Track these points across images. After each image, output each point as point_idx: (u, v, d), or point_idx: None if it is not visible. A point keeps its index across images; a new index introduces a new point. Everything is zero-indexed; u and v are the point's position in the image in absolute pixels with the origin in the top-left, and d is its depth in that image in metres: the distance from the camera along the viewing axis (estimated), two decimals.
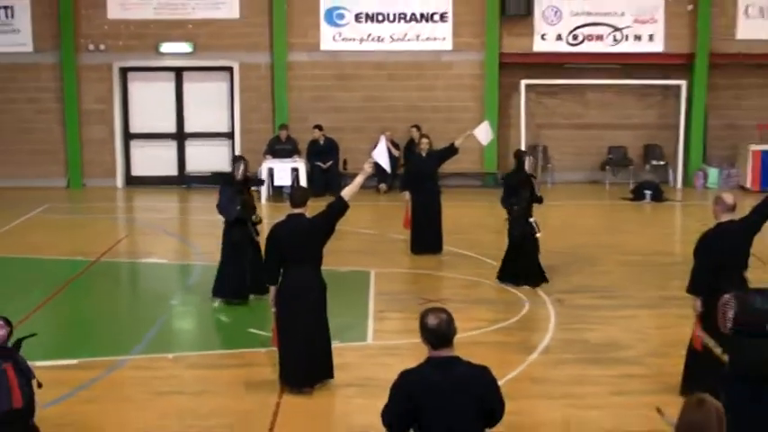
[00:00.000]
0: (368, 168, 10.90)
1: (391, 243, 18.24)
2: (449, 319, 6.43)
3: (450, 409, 6.30)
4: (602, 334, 12.87)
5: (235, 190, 14.06)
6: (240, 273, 14.03)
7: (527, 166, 15.10)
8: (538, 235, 14.96)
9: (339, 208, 10.51)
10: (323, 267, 10.76)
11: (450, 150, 17.53)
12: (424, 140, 18.14)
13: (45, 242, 18.69)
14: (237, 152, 25.68)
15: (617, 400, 10.44)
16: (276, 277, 10.55)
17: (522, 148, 25.21)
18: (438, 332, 6.38)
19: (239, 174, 14.17)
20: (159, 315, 13.82)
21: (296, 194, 10.82)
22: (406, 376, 6.46)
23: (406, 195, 17.31)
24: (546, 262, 15.38)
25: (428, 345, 6.45)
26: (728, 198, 10.35)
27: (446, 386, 6.30)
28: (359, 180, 10.72)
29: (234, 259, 14.11)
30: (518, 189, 15.03)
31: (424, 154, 17.76)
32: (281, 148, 23.96)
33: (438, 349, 6.41)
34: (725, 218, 10.29)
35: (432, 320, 6.39)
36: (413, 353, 12.04)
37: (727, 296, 7.61)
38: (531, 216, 15.03)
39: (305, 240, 10.48)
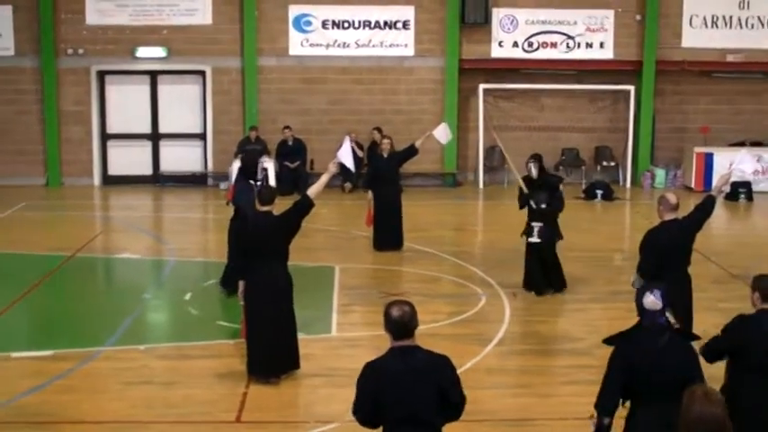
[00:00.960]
0: (332, 168, 10.84)
1: (355, 240, 18.19)
2: (411, 311, 6.44)
3: (412, 395, 6.29)
4: (553, 326, 12.91)
5: (250, 185, 13.88)
6: None
7: (533, 172, 14.25)
8: (530, 240, 14.26)
9: (304, 205, 10.45)
10: (290, 263, 10.72)
11: (411, 151, 17.45)
12: (386, 141, 18.09)
13: (23, 238, 18.48)
14: (210, 153, 25.62)
15: (567, 389, 10.44)
16: (245, 272, 10.50)
17: (481, 149, 25.35)
18: (400, 323, 6.39)
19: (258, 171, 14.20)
20: (132, 308, 13.67)
21: (264, 193, 10.75)
22: (369, 366, 6.48)
23: (369, 194, 17.26)
24: (502, 258, 15.38)
25: (390, 335, 6.47)
26: (672, 198, 10.39)
27: (407, 373, 6.31)
28: (324, 179, 10.67)
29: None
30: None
31: (385, 155, 17.71)
32: (251, 148, 23.81)
33: (400, 339, 6.42)
34: (669, 216, 10.33)
35: (395, 312, 6.41)
36: (374, 344, 12.01)
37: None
38: (540, 221, 14.21)
39: (272, 237, 10.42)
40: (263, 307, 10.33)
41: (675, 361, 6.70)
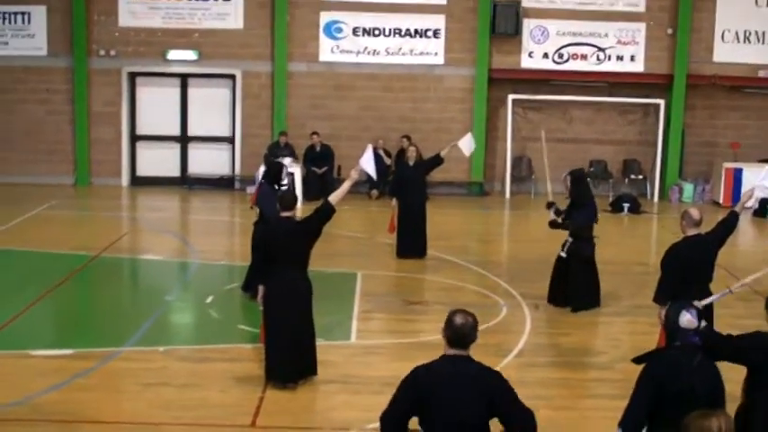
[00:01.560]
0: (354, 175, 10.80)
1: (379, 247, 18.14)
2: (473, 323, 6.39)
3: (460, 402, 6.19)
4: (574, 339, 12.78)
5: (273, 189, 13.89)
6: None
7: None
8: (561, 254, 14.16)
9: (326, 212, 10.41)
10: (312, 268, 10.69)
11: (436, 160, 17.41)
12: (412, 149, 18.13)
13: (49, 237, 18.55)
14: (238, 156, 25.67)
15: (586, 403, 10.35)
16: (265, 277, 10.48)
17: (508, 160, 25.26)
18: (460, 332, 6.34)
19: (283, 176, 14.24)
20: (154, 310, 13.69)
21: (285, 199, 10.74)
22: (417, 369, 6.40)
23: (393, 202, 17.22)
24: (526, 269, 15.29)
25: (446, 341, 6.39)
26: (695, 213, 10.30)
27: (457, 379, 6.23)
28: (346, 186, 10.63)
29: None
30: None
31: (411, 162, 17.71)
32: (279, 153, 23.85)
33: (454, 348, 6.36)
34: (692, 232, 10.25)
35: (458, 320, 6.36)
36: (393, 352, 12.03)
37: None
38: (570, 236, 14.10)
39: (292, 242, 10.38)
40: (281, 312, 10.29)
41: (707, 382, 6.60)
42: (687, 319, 6.73)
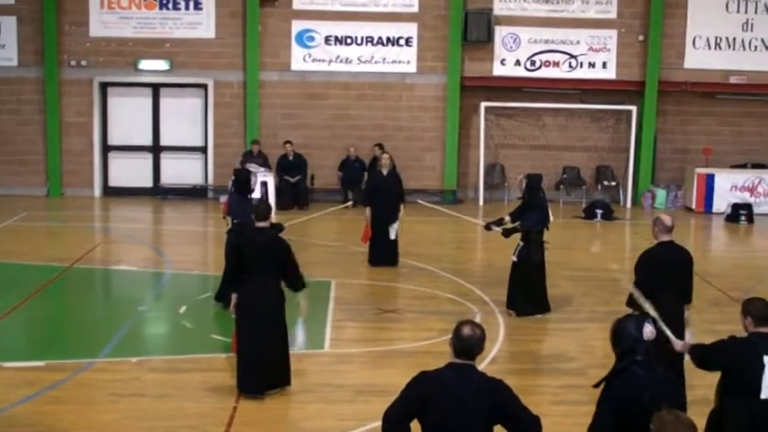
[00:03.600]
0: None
1: (353, 255, 18.16)
2: (481, 336, 6.41)
3: (463, 411, 6.22)
4: (547, 345, 12.88)
5: (243, 197, 13.96)
6: None
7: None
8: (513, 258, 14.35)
9: (295, 281, 10.68)
10: None
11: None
12: (385, 157, 18.13)
13: (22, 248, 18.51)
14: (210, 166, 25.67)
15: (557, 409, 10.40)
16: (237, 285, 10.52)
17: (481, 167, 25.38)
18: (467, 344, 6.35)
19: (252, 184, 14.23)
20: (127, 320, 13.68)
21: (260, 209, 10.82)
22: (422, 375, 6.43)
23: (367, 211, 17.25)
24: (498, 276, 15.36)
25: (453, 350, 6.41)
26: (667, 220, 10.37)
27: (462, 389, 6.25)
28: None
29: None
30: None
31: (384, 171, 17.72)
32: (252, 162, 23.86)
33: (459, 357, 6.38)
34: (664, 238, 10.31)
35: (467, 331, 6.37)
36: (367, 360, 12.08)
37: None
38: (521, 240, 14.33)
39: (265, 253, 10.44)
40: (254, 321, 10.33)
41: (671, 390, 6.53)
42: (649, 330, 6.61)
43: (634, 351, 6.58)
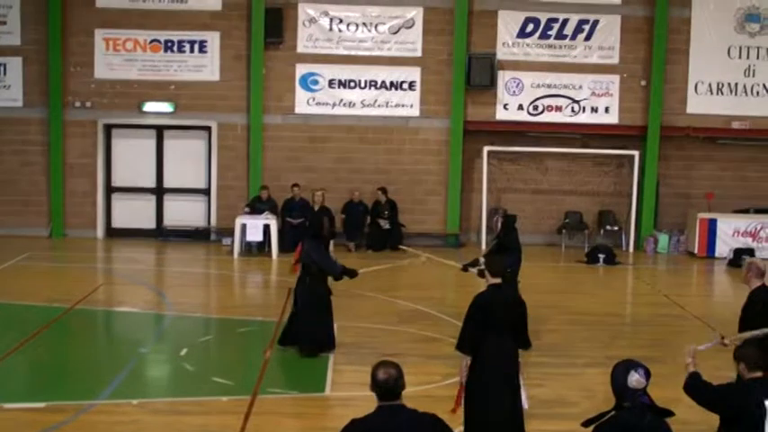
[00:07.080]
0: None
1: (354, 298, 18.18)
2: (397, 374, 6.42)
3: None
4: (548, 390, 12.87)
5: (322, 244, 14.18)
6: (328, 324, 14.24)
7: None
8: None
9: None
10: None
11: None
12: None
13: (24, 289, 18.57)
14: (213, 208, 25.77)
15: None
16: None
17: (484, 211, 25.45)
18: (384, 387, 6.38)
19: (326, 229, 14.42)
20: (128, 362, 13.70)
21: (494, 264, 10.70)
22: (353, 421, 6.44)
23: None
24: None
25: (376, 396, 6.45)
26: (761, 264, 10.34)
27: (395, 428, 6.29)
28: None
29: (320, 311, 14.15)
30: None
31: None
32: (260, 206, 23.98)
33: (385, 401, 6.41)
34: (756, 283, 10.26)
35: (381, 375, 6.40)
36: (369, 404, 12.03)
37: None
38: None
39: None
40: None
41: None
42: (636, 379, 6.67)
43: (621, 398, 6.70)
